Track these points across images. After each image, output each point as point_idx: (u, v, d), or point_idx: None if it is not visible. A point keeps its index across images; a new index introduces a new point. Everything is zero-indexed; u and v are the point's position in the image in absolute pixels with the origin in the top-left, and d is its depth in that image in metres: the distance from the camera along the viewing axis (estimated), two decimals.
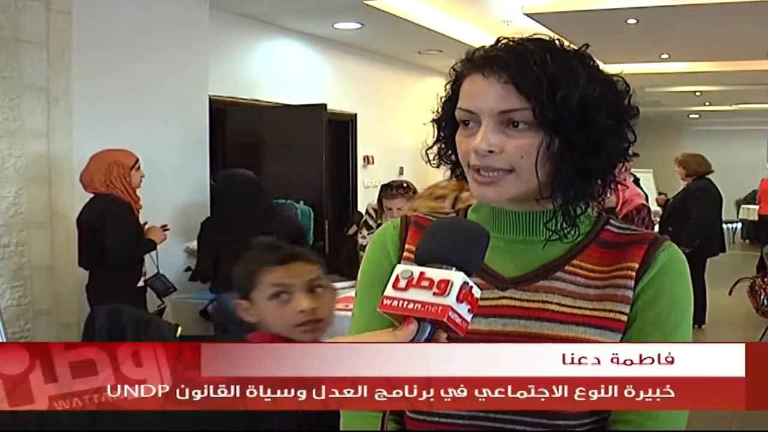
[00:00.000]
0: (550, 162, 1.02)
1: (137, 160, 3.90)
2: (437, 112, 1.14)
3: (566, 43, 1.07)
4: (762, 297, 6.44)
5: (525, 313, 1.06)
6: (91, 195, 3.85)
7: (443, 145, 1.14)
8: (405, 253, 1.15)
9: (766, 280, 6.46)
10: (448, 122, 1.11)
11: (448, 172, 1.18)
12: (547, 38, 1.07)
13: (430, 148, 1.16)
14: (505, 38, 1.07)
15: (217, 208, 4.61)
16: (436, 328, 0.88)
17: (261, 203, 4.06)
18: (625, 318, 1.05)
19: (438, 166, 1.18)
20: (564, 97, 1.00)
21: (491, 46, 1.07)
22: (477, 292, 0.90)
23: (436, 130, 1.15)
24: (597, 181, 1.07)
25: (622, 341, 1.04)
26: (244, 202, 4.04)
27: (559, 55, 1.04)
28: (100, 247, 3.74)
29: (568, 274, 1.08)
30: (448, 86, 1.12)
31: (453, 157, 1.13)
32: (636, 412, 1.02)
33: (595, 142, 1.03)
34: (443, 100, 1.13)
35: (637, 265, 1.06)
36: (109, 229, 3.70)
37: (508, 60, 1.02)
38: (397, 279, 0.90)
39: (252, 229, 3.91)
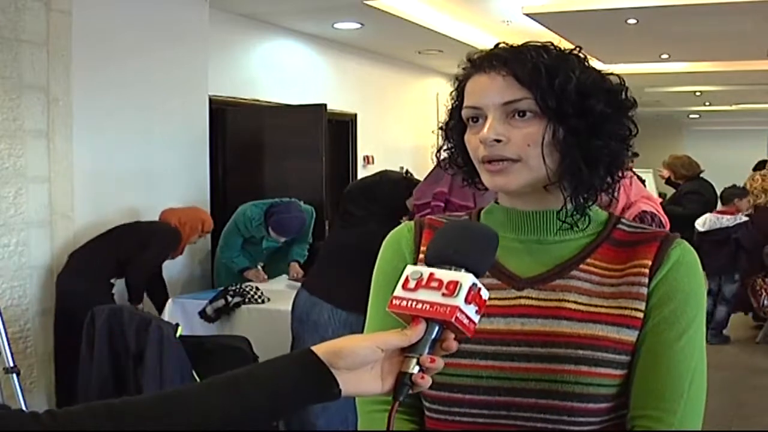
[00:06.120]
0: (555, 149, 1.07)
1: (211, 230, 4.68)
2: (444, 120, 1.19)
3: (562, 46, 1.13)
4: (762, 297, 6.44)
5: (543, 312, 1.08)
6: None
7: (453, 150, 1.18)
8: (421, 255, 1.17)
9: (766, 280, 6.45)
10: (456, 125, 1.16)
11: None
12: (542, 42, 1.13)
13: (438, 151, 1.21)
14: (502, 42, 1.13)
15: None
16: (444, 328, 0.88)
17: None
18: (640, 315, 1.07)
19: (448, 169, 1.21)
20: (562, 83, 1.05)
21: (490, 49, 1.13)
22: (485, 294, 0.91)
23: (444, 137, 1.19)
24: (603, 170, 1.10)
25: (638, 338, 1.06)
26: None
27: (554, 50, 1.10)
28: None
29: (583, 273, 1.10)
30: (453, 93, 1.17)
31: (463, 161, 1.17)
32: (654, 407, 1.04)
33: (595, 128, 1.07)
34: (449, 107, 1.18)
35: (650, 263, 1.08)
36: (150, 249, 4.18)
37: (507, 55, 1.08)
38: (406, 280, 0.90)
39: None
